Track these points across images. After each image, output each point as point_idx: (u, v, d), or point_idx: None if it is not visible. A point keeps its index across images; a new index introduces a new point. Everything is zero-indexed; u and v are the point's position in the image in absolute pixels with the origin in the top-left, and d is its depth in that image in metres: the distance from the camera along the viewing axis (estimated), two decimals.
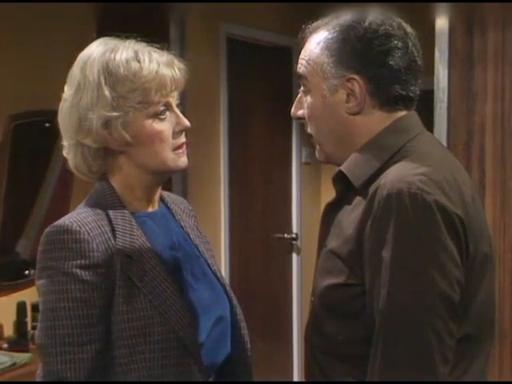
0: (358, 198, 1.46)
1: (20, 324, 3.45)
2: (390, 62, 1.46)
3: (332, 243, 1.49)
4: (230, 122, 4.53)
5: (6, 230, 3.48)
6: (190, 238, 1.73)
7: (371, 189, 1.41)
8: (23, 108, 3.44)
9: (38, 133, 3.47)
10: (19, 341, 3.38)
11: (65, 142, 1.62)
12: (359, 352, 1.41)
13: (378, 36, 1.47)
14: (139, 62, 1.56)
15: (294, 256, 5.07)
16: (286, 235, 5.01)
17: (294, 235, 5.03)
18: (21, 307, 3.45)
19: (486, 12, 3.41)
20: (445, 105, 3.58)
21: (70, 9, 3.57)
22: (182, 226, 1.74)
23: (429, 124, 3.64)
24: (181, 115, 1.62)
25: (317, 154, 1.60)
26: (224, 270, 4.44)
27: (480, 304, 1.44)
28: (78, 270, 1.49)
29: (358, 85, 1.47)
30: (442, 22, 3.49)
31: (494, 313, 1.54)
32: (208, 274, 1.72)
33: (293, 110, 1.58)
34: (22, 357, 3.15)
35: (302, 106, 1.56)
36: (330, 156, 1.57)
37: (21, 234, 3.57)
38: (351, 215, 1.46)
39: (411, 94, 1.50)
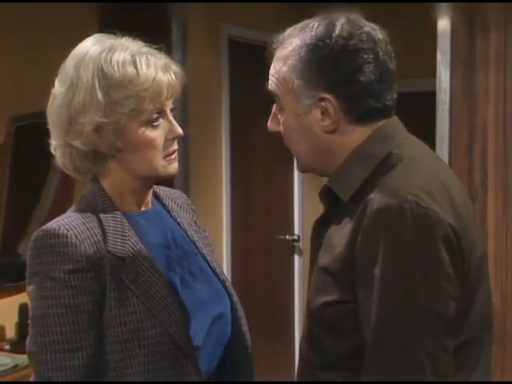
0: (348, 213, 1.41)
1: (22, 326, 3.43)
2: (361, 78, 1.40)
3: (323, 260, 1.44)
4: (231, 123, 4.52)
5: (8, 231, 3.48)
6: (188, 235, 1.69)
7: (360, 203, 1.36)
8: (24, 110, 3.43)
9: (39, 134, 3.46)
10: (21, 342, 3.35)
11: (53, 141, 1.60)
12: (358, 366, 1.36)
13: (347, 53, 1.40)
14: (136, 67, 1.52)
15: (296, 258, 5.06)
16: (287, 237, 4.99)
17: (295, 237, 5.01)
18: (23, 309, 3.43)
19: (487, 13, 3.41)
20: (447, 106, 3.57)
21: (72, 10, 3.57)
22: (178, 223, 1.70)
23: (430, 125, 3.65)
24: (174, 122, 1.58)
25: (297, 166, 1.56)
26: (226, 272, 4.41)
27: (479, 306, 1.42)
28: (67, 275, 1.46)
29: (330, 104, 1.41)
30: (443, 24, 3.49)
31: (491, 312, 1.50)
32: (206, 271, 1.68)
33: (269, 124, 1.53)
34: (23, 358, 3.13)
35: (278, 122, 1.50)
36: (310, 169, 1.54)
37: (23, 235, 3.56)
38: (341, 231, 1.41)
39: (388, 103, 1.44)
